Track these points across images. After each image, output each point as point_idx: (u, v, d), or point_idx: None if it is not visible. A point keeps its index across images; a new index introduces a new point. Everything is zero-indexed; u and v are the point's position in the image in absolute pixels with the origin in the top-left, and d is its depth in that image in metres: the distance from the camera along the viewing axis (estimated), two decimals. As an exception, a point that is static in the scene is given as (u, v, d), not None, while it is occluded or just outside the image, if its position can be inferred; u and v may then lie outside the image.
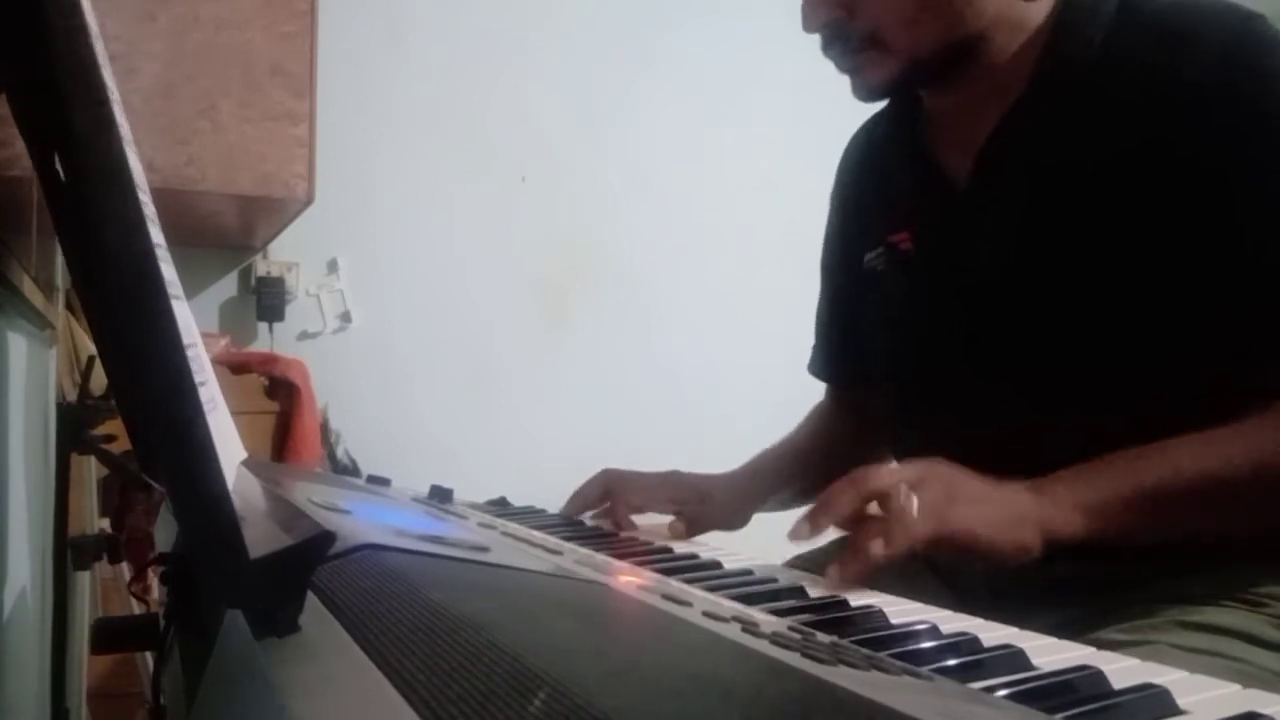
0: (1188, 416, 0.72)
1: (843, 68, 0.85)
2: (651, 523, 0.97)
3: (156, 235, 0.40)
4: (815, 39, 0.85)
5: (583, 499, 1.00)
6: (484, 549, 0.55)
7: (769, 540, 0.93)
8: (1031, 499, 0.70)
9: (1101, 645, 0.52)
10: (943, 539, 0.65)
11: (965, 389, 0.86)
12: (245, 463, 0.68)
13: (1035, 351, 0.81)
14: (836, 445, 1.09)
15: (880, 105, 0.97)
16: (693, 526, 0.96)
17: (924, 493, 0.66)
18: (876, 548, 0.63)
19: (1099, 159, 0.77)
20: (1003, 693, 0.42)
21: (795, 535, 0.67)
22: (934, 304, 0.89)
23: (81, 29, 0.35)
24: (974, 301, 0.84)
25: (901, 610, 0.58)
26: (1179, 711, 0.41)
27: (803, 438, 1.12)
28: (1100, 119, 0.77)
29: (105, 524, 1.42)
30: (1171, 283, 0.74)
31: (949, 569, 0.87)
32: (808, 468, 1.08)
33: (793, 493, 1.08)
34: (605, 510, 0.99)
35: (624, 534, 0.92)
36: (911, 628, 0.53)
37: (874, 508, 0.67)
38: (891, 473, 0.68)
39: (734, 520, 1.03)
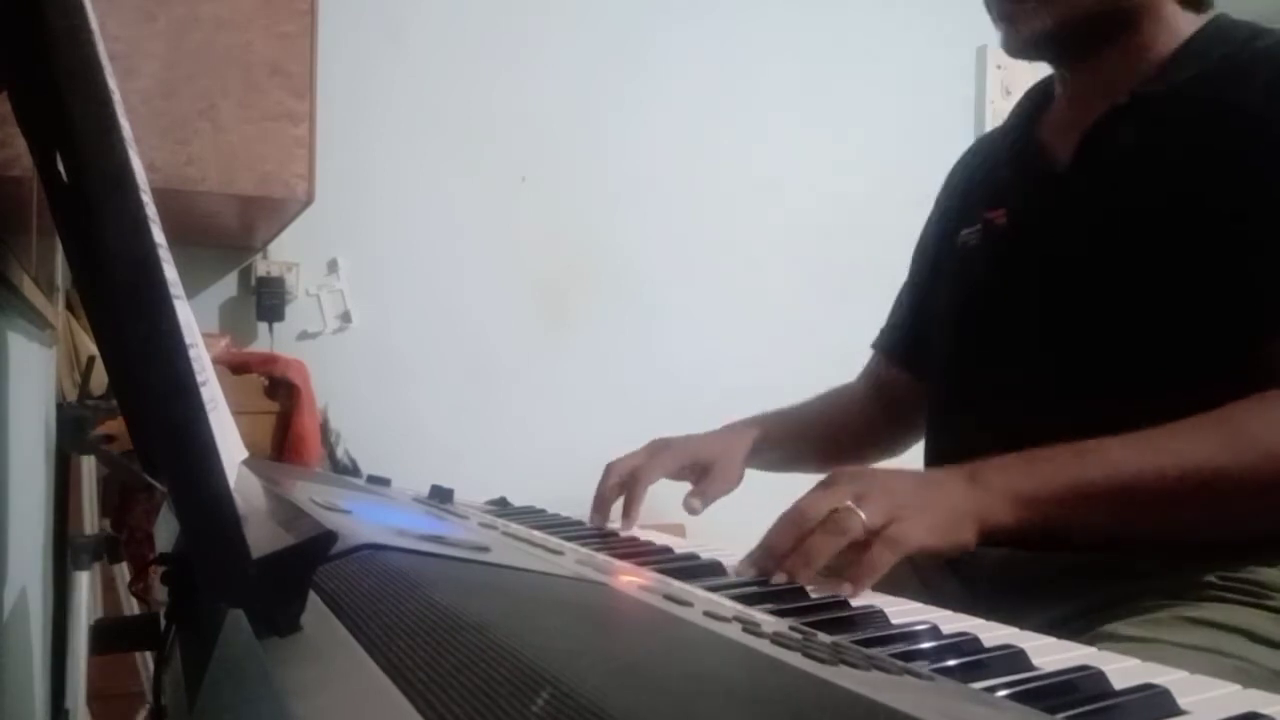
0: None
1: (1001, 13, 0.88)
2: (651, 523, 0.97)
3: (158, 235, 0.40)
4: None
5: (602, 498, 1.00)
6: (485, 549, 0.55)
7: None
8: (966, 490, 0.71)
9: (1105, 641, 0.52)
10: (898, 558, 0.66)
11: (1028, 362, 0.88)
12: (245, 462, 0.68)
13: (1102, 330, 0.83)
14: (848, 419, 1.13)
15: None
16: (704, 498, 0.99)
17: (868, 511, 0.66)
18: (846, 590, 0.64)
19: (1177, 177, 0.80)
20: (1003, 693, 0.42)
21: (740, 573, 0.68)
22: (1017, 275, 0.92)
23: (82, 29, 0.35)
24: (1055, 274, 0.88)
25: (902, 610, 0.59)
26: (1180, 711, 0.41)
27: (816, 403, 1.16)
28: (1180, 141, 0.81)
29: (105, 524, 1.42)
30: (1230, 298, 0.76)
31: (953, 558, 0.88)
32: (807, 429, 1.12)
33: (786, 453, 1.11)
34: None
35: (624, 534, 0.92)
36: (912, 628, 0.53)
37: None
38: (823, 499, 0.68)
39: (733, 481, 1.04)
